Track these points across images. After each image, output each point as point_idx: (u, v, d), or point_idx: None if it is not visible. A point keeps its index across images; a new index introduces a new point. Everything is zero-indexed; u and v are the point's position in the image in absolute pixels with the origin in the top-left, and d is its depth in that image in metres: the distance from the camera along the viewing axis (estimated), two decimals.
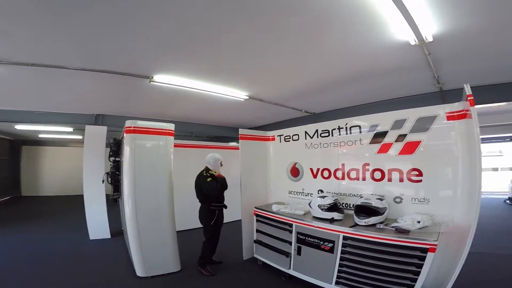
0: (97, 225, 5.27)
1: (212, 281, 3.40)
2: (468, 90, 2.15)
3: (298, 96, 5.28)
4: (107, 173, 4.83)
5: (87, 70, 3.52)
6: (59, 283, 3.30)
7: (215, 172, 3.66)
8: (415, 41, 2.77)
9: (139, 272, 3.46)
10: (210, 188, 3.48)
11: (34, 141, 11.69)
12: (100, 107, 5.79)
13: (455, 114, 2.58)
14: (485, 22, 2.46)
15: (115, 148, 4.69)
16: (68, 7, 2.17)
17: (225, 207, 3.73)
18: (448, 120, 2.63)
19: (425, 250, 2.25)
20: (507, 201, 8.48)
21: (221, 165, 3.79)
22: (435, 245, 2.22)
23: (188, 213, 5.51)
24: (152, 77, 3.84)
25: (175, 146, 3.94)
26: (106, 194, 5.40)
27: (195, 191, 3.69)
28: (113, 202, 4.92)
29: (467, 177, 2.44)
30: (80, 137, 9.40)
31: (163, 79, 3.94)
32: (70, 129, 8.08)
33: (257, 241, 3.78)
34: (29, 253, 4.31)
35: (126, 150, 3.56)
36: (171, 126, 3.86)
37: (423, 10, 2.25)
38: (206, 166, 3.71)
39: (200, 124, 8.32)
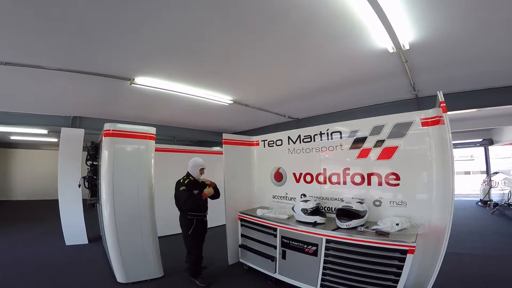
0: (74, 230, 5.09)
1: (196, 285, 3.33)
2: (441, 97, 2.26)
3: (282, 101, 5.33)
4: (84, 178, 4.66)
5: (65, 71, 3.37)
6: None
7: (203, 180, 3.50)
8: (393, 48, 2.87)
9: (120, 278, 3.36)
10: (180, 198, 3.29)
11: (6, 143, 11.12)
12: (78, 109, 5.55)
13: (429, 120, 2.69)
14: (458, 31, 2.59)
15: (92, 152, 4.56)
16: (46, 6, 2.08)
17: (205, 216, 3.52)
18: (423, 126, 2.75)
19: (404, 252, 2.32)
20: (479, 203, 8.95)
21: (202, 172, 3.56)
22: (414, 246, 2.30)
23: (171, 218, 5.40)
24: (133, 79, 3.74)
25: (156, 150, 3.86)
26: (83, 199, 5.22)
27: None
28: (91, 207, 4.76)
29: (441, 181, 2.55)
30: (55, 139, 9.02)
31: (145, 81, 3.84)
32: (45, 131, 7.74)
33: (243, 246, 3.75)
34: None
35: (105, 154, 3.45)
36: (152, 130, 3.78)
37: (401, 18, 2.34)
38: (188, 171, 3.56)
39: (183, 128, 8.18)
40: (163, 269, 3.62)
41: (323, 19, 2.40)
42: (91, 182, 4.54)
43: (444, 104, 2.22)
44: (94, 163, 4.57)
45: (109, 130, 3.48)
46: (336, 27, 2.53)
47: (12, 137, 9.68)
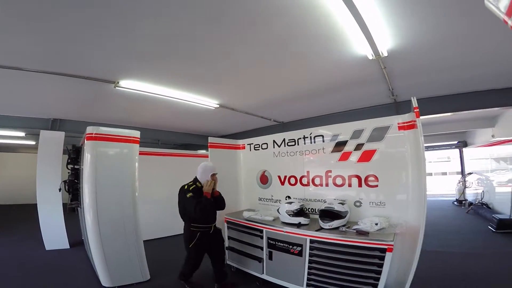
0: (54, 234, 4.98)
1: None
2: (414, 102, 2.40)
3: (268, 106, 5.42)
4: (65, 181, 4.53)
5: (47, 73, 3.29)
6: None
7: (210, 184, 3.03)
8: (372, 55, 3.02)
9: (105, 282, 3.32)
10: (189, 206, 2.93)
11: None
12: (58, 112, 5.39)
13: (405, 124, 2.83)
14: (434, 40, 2.75)
15: (74, 155, 4.42)
16: (28, 6, 2.05)
17: (210, 229, 3.15)
18: (399, 130, 2.88)
19: (383, 250, 2.42)
20: (455, 203, 9.39)
21: (214, 178, 3.15)
22: (392, 245, 2.40)
23: (155, 222, 5.47)
24: (118, 82, 3.70)
25: (140, 154, 3.83)
26: (63, 203, 5.07)
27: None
28: (71, 211, 4.63)
29: (416, 182, 2.68)
30: (33, 142, 8.67)
31: (129, 84, 3.81)
32: (22, 134, 7.42)
33: (230, 248, 3.76)
34: None
35: (87, 157, 3.40)
36: (136, 133, 3.76)
37: (380, 26, 2.47)
38: (196, 177, 3.19)
39: (168, 131, 8.11)
40: (149, 273, 3.59)
41: (307, 27, 2.49)
42: (73, 186, 4.41)
43: (418, 110, 2.36)
44: (76, 166, 4.44)
45: (92, 133, 3.44)
46: (319, 35, 2.63)
47: None
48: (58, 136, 5.35)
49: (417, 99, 2.44)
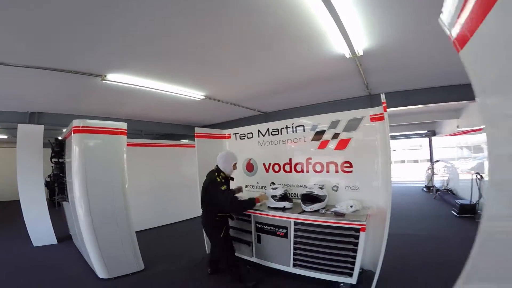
0: (40, 231, 4.88)
1: (177, 275, 3.47)
2: (383, 98, 2.68)
3: (252, 97, 5.62)
4: (49, 176, 4.49)
5: (33, 68, 3.27)
6: None
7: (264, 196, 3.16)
8: (349, 54, 3.29)
9: (101, 274, 3.39)
10: (223, 200, 2.86)
11: None
12: (37, 105, 5.26)
13: (376, 116, 3.09)
14: (404, 40, 3.05)
15: (57, 149, 4.37)
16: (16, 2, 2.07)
17: (232, 217, 3.32)
18: (371, 121, 3.14)
19: (357, 230, 2.67)
20: (424, 189, 9.89)
21: (235, 167, 3.23)
22: (365, 225, 2.64)
23: (146, 212, 5.55)
24: (105, 76, 3.73)
25: (127, 145, 3.86)
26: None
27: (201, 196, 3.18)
28: (55, 205, 4.56)
29: (384, 168, 2.97)
30: (5, 136, 8.34)
31: (116, 78, 3.85)
32: None
33: None
34: None
35: (75, 150, 3.39)
36: (123, 125, 3.78)
37: (357, 28, 2.71)
38: (217, 166, 3.17)
39: (151, 122, 8.10)
40: (143, 262, 3.69)
41: (289, 26, 2.68)
42: (58, 180, 4.39)
43: (385, 104, 2.65)
44: (60, 160, 4.40)
45: (79, 126, 3.43)
46: (301, 34, 2.85)
47: None
48: (37, 129, 5.15)
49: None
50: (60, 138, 4.52)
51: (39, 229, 4.88)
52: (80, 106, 5.58)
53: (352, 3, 2.27)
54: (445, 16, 1.21)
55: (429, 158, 11.18)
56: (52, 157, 4.45)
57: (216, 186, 2.93)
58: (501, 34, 0.77)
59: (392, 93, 5.10)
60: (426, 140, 11.81)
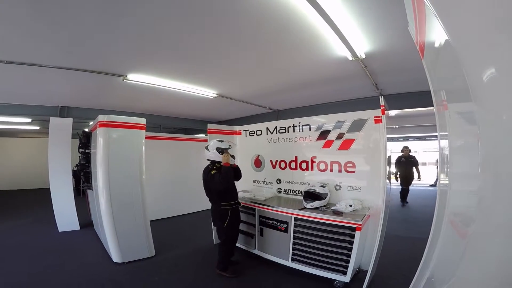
0: (66, 217, 5.26)
1: (185, 263, 3.66)
2: (381, 101, 2.74)
3: (263, 95, 5.75)
4: (77, 165, 4.88)
5: (64, 69, 3.61)
6: (37, 273, 3.35)
7: (227, 156, 3.20)
8: (351, 57, 3.34)
9: (116, 258, 3.65)
10: (214, 181, 3.06)
11: None
12: (66, 100, 5.73)
13: (380, 118, 3.09)
14: (404, 44, 3.01)
15: (84, 140, 4.71)
16: (50, 9, 2.29)
17: (239, 204, 3.43)
18: (375, 123, 3.19)
19: (353, 229, 2.73)
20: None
21: (225, 151, 3.25)
22: (360, 224, 2.69)
23: (159, 203, 5.80)
24: (126, 76, 4.04)
25: (145, 138, 4.08)
26: None
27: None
28: (80, 193, 4.85)
29: (383, 169, 2.91)
30: (37, 127, 8.95)
31: (136, 77, 4.15)
32: (29, 120, 7.69)
33: None
34: None
35: (100, 142, 3.68)
36: (142, 120, 4.02)
37: (356, 34, 2.78)
38: (209, 160, 3.34)
39: (168, 117, 8.45)
40: (154, 250, 3.94)
41: (292, 32, 2.79)
42: (84, 169, 4.77)
43: (383, 107, 2.73)
44: (86, 151, 4.75)
45: (104, 121, 3.71)
46: (304, 38, 2.94)
47: None
48: (67, 122, 5.57)
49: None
50: (86, 130, 4.90)
51: (65, 215, 5.26)
52: (104, 102, 6.00)
53: (347, 12, 2.35)
54: (410, 26, 1.33)
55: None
56: (79, 147, 4.81)
57: (208, 174, 3.18)
58: (439, 43, 0.87)
59: (405, 94, 5.02)
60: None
